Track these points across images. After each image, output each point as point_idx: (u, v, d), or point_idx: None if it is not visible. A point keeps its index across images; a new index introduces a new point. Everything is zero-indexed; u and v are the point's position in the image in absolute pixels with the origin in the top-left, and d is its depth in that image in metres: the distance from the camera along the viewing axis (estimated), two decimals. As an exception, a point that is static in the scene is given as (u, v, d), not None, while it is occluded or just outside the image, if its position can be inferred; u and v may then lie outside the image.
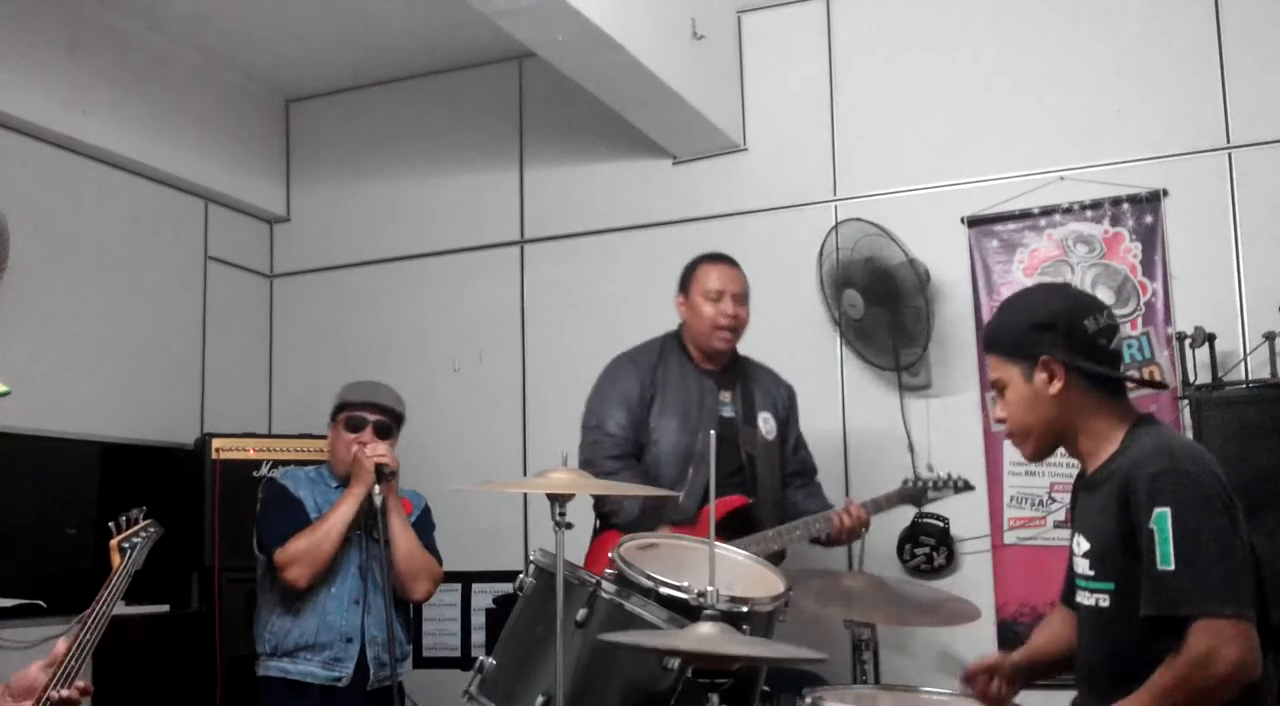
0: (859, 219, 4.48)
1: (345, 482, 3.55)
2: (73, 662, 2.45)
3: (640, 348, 3.80)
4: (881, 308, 4.34)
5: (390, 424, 3.63)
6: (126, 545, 2.75)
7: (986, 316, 4.37)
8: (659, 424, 3.64)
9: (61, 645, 2.48)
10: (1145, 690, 2.08)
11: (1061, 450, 2.40)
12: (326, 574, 3.46)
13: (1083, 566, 2.28)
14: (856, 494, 4.29)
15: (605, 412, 3.64)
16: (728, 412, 3.71)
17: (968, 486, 3.94)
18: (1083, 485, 2.37)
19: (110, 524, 2.79)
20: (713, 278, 3.72)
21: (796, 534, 3.59)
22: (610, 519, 3.59)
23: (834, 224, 4.53)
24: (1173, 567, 2.06)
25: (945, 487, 3.88)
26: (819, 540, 3.66)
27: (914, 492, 3.88)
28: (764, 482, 3.66)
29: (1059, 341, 2.28)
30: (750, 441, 3.69)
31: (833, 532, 3.61)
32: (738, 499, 3.55)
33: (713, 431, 2.51)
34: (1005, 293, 4.26)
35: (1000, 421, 2.43)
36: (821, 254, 4.53)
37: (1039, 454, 2.40)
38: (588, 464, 3.53)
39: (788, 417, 3.87)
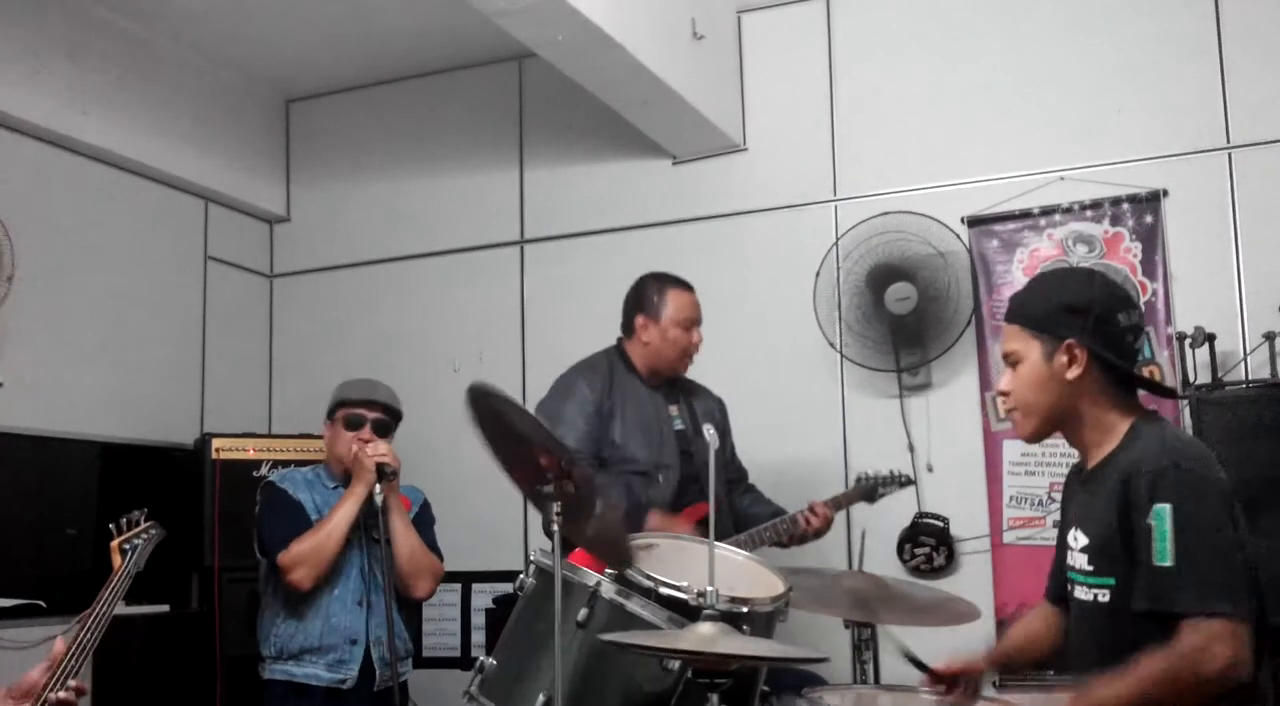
0: (892, 211, 4.46)
1: (343, 482, 3.54)
2: (72, 663, 2.45)
3: (586, 363, 3.83)
4: (927, 299, 4.34)
5: (389, 421, 3.62)
6: (128, 546, 2.74)
7: (986, 316, 4.38)
8: (622, 439, 3.68)
9: (60, 645, 2.47)
10: (1131, 675, 2.07)
11: (1060, 441, 2.38)
12: (329, 575, 3.44)
13: (1081, 561, 2.27)
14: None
15: (564, 428, 3.63)
16: (679, 426, 3.80)
17: (909, 481, 4.15)
18: (1082, 480, 2.36)
19: (111, 525, 2.78)
20: (686, 306, 3.78)
21: (767, 536, 3.68)
22: None
23: (856, 222, 4.51)
24: (1170, 564, 2.05)
25: (892, 483, 4.07)
26: (780, 542, 3.75)
27: (867, 489, 4.03)
28: (716, 491, 3.70)
29: (1088, 328, 2.25)
30: (701, 452, 3.73)
31: (797, 533, 3.74)
32: (704, 505, 3.59)
33: (712, 432, 2.51)
34: (1005, 293, 4.26)
35: (1003, 394, 2.39)
36: (821, 270, 4.52)
37: (1037, 435, 2.36)
38: None
39: (724, 429, 3.94)
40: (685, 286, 3.83)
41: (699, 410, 3.87)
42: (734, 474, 3.99)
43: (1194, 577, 2.04)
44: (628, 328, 3.84)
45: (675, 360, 3.79)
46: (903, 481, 4.10)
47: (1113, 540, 2.19)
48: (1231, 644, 2.02)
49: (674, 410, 3.82)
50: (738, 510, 3.89)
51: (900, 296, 4.36)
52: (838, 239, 4.55)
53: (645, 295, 3.81)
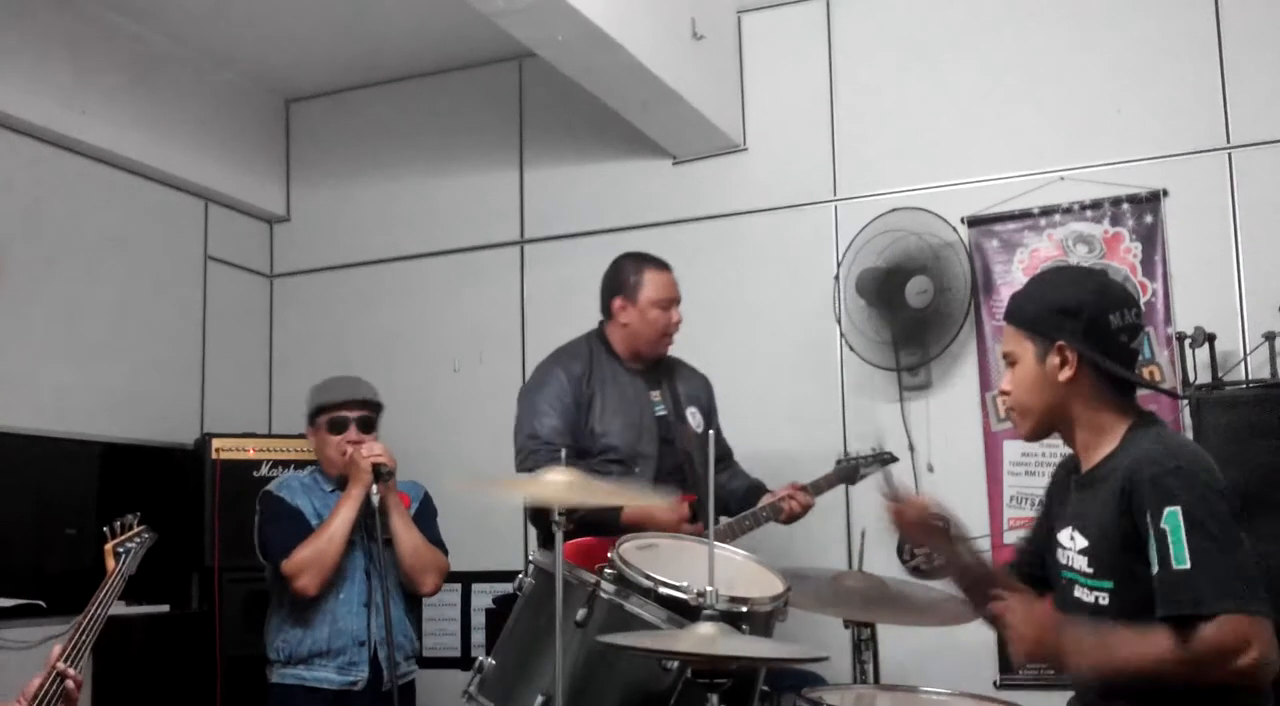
0: (901, 208, 4.45)
1: (340, 484, 3.53)
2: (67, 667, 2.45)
3: (564, 350, 3.79)
4: (940, 292, 4.34)
5: (372, 417, 3.60)
6: (121, 550, 2.75)
7: (986, 317, 4.38)
8: (603, 427, 3.63)
9: (57, 649, 2.48)
10: (1149, 645, 2.05)
11: (1061, 440, 2.38)
12: (334, 579, 3.45)
13: (1080, 563, 2.27)
14: (857, 494, 4.30)
15: (539, 420, 3.59)
16: (661, 411, 3.75)
17: (892, 458, 4.14)
18: (1078, 481, 2.35)
19: (105, 528, 2.79)
20: (663, 285, 3.75)
21: (748, 525, 3.66)
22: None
23: (868, 220, 4.49)
24: (1188, 566, 2.04)
25: (873, 462, 4.06)
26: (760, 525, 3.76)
27: (848, 470, 4.01)
28: (702, 477, 3.69)
29: (1079, 330, 2.24)
30: (685, 438, 3.73)
31: (780, 518, 3.73)
32: (688, 496, 3.60)
33: (711, 432, 2.52)
34: (1005, 293, 4.26)
35: (1004, 393, 2.40)
36: (838, 271, 4.50)
37: (1035, 435, 2.38)
38: (527, 474, 3.46)
39: (710, 409, 3.92)
40: (663, 266, 3.79)
41: (683, 392, 3.83)
42: (718, 453, 3.94)
43: (1213, 576, 2.03)
44: (606, 310, 3.79)
45: (655, 341, 3.75)
46: (885, 459, 4.09)
47: (1113, 543, 2.18)
48: (1262, 641, 2.01)
49: (656, 395, 3.77)
50: (716, 485, 3.85)
51: (920, 289, 4.34)
52: (851, 239, 4.51)
53: (622, 276, 3.77)
